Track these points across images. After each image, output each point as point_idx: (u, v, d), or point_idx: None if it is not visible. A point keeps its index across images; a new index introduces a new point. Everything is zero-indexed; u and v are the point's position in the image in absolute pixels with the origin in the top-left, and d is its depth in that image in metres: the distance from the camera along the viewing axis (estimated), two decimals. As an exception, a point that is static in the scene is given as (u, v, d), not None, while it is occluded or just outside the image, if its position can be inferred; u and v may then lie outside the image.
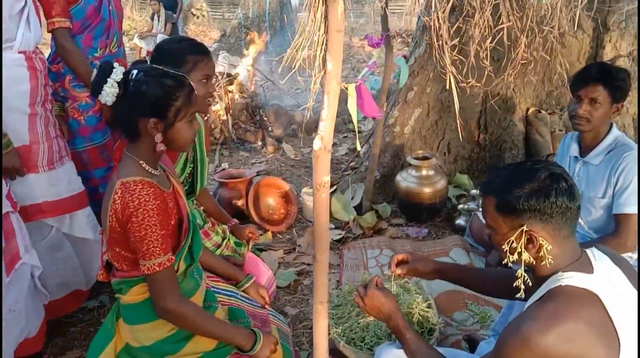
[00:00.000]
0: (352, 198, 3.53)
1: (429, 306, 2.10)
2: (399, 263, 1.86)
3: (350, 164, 4.32)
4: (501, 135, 3.86)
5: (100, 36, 2.36)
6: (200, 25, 13.08)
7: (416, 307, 2.03)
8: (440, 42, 2.38)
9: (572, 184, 1.29)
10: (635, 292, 1.28)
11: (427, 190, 3.24)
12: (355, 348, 1.97)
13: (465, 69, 2.67)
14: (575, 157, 2.30)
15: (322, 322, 1.63)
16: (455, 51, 2.34)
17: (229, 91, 5.12)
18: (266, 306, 2.11)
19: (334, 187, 3.94)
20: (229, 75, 5.18)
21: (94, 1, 2.31)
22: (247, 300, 2.03)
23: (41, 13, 2.21)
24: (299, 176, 4.27)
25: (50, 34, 2.31)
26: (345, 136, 5.39)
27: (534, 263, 1.31)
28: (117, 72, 1.48)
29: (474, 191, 3.37)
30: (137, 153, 1.55)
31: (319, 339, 1.65)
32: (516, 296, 1.32)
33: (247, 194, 3.27)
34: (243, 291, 2.04)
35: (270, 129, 5.01)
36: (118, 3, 2.52)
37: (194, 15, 13.21)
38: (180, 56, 1.95)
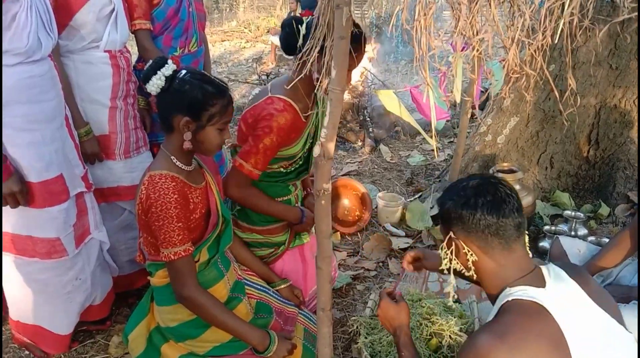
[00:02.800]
0: (432, 208, 3.40)
1: (466, 331, 1.97)
2: (414, 261, 1.85)
3: (444, 172, 4.16)
4: (615, 152, 3.44)
5: (179, 37, 2.53)
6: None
7: (447, 330, 1.92)
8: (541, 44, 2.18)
9: (501, 198, 1.27)
10: (594, 306, 1.28)
11: (510, 206, 2.99)
12: (377, 362, 1.92)
13: (575, 77, 2.41)
14: None
15: (324, 330, 1.62)
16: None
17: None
18: (301, 306, 2.14)
19: (419, 194, 3.82)
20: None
21: (174, 3, 2.46)
22: (279, 297, 2.08)
23: (129, 14, 2.44)
24: (389, 179, 4.20)
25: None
26: (452, 141, 5.18)
27: (464, 272, 1.35)
28: (168, 68, 1.60)
29: (567, 212, 3.05)
30: (170, 148, 1.67)
31: (321, 347, 1.64)
32: (447, 305, 1.45)
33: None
34: (276, 290, 2.09)
35: (371, 130, 4.99)
36: (199, 5, 2.66)
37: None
38: None
